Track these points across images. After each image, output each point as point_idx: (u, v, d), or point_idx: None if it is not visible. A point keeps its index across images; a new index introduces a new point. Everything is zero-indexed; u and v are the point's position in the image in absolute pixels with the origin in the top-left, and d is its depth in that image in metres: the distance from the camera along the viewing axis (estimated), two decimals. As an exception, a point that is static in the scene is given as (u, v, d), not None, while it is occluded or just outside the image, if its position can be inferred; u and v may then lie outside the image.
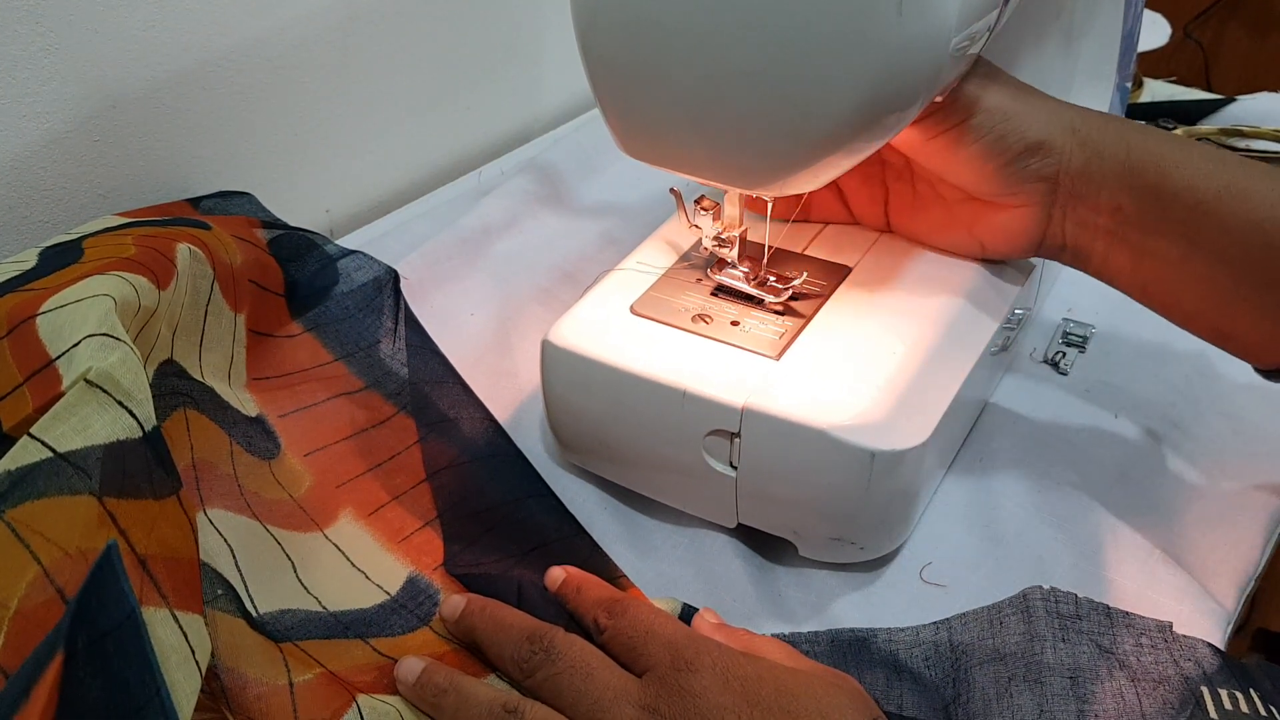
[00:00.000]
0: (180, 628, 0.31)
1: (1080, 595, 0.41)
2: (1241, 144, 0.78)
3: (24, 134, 0.51)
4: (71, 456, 0.31)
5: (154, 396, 0.40)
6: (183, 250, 0.43)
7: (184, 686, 0.30)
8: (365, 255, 0.55)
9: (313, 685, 0.34)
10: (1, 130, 0.50)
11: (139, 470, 0.33)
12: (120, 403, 0.33)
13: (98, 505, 0.31)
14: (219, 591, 0.35)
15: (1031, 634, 0.40)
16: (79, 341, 0.34)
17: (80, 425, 0.32)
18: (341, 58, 0.66)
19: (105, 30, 0.52)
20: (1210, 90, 0.90)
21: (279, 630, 0.39)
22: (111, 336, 0.34)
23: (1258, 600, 0.48)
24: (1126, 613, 0.41)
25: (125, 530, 0.31)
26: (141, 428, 0.33)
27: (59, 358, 0.34)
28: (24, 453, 0.31)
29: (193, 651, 0.31)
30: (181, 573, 0.33)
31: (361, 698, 0.35)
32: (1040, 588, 0.41)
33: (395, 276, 0.55)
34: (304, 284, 0.52)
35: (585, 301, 0.49)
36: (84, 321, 0.35)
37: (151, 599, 0.31)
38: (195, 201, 0.57)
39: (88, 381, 0.33)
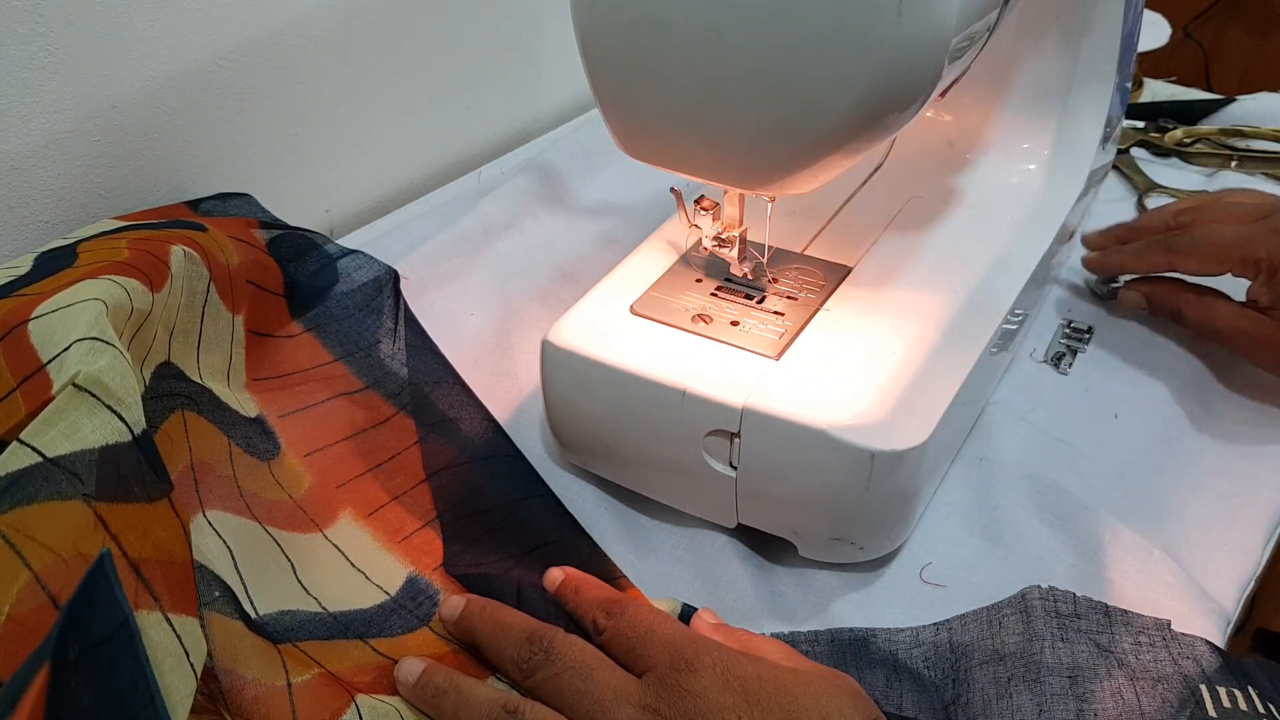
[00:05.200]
0: (174, 630, 0.31)
1: (1079, 594, 0.41)
2: (1241, 144, 0.78)
3: (24, 134, 0.51)
4: (61, 461, 0.31)
5: (152, 399, 0.40)
6: (177, 252, 0.43)
7: (178, 689, 0.30)
8: (365, 255, 0.55)
9: (311, 685, 0.34)
10: (1, 130, 0.50)
11: (131, 474, 0.33)
12: (109, 406, 0.33)
13: (89, 510, 0.31)
14: (216, 594, 0.35)
15: (1030, 633, 0.40)
16: (69, 346, 0.34)
17: (69, 430, 0.32)
18: (341, 58, 0.66)
19: (106, 30, 0.52)
20: (1210, 90, 0.90)
21: (279, 631, 0.39)
22: (101, 340, 0.34)
23: (1258, 600, 0.48)
24: (1125, 611, 0.41)
25: (117, 535, 0.31)
26: (130, 431, 0.33)
27: (50, 362, 0.34)
28: (14, 458, 0.31)
29: (187, 654, 0.31)
30: (175, 575, 0.33)
31: (361, 698, 0.35)
32: (1039, 587, 0.41)
33: (395, 276, 0.55)
34: (304, 284, 0.52)
35: (585, 301, 0.49)
36: (74, 326, 0.35)
37: (145, 603, 0.31)
38: (194, 204, 0.57)
39: (76, 386, 0.33)
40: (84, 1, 0.51)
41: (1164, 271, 0.56)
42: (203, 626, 0.33)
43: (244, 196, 0.59)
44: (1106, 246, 0.60)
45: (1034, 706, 0.37)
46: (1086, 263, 0.60)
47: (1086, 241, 0.62)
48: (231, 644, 0.34)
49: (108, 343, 0.35)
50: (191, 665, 0.31)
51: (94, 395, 0.33)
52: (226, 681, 0.33)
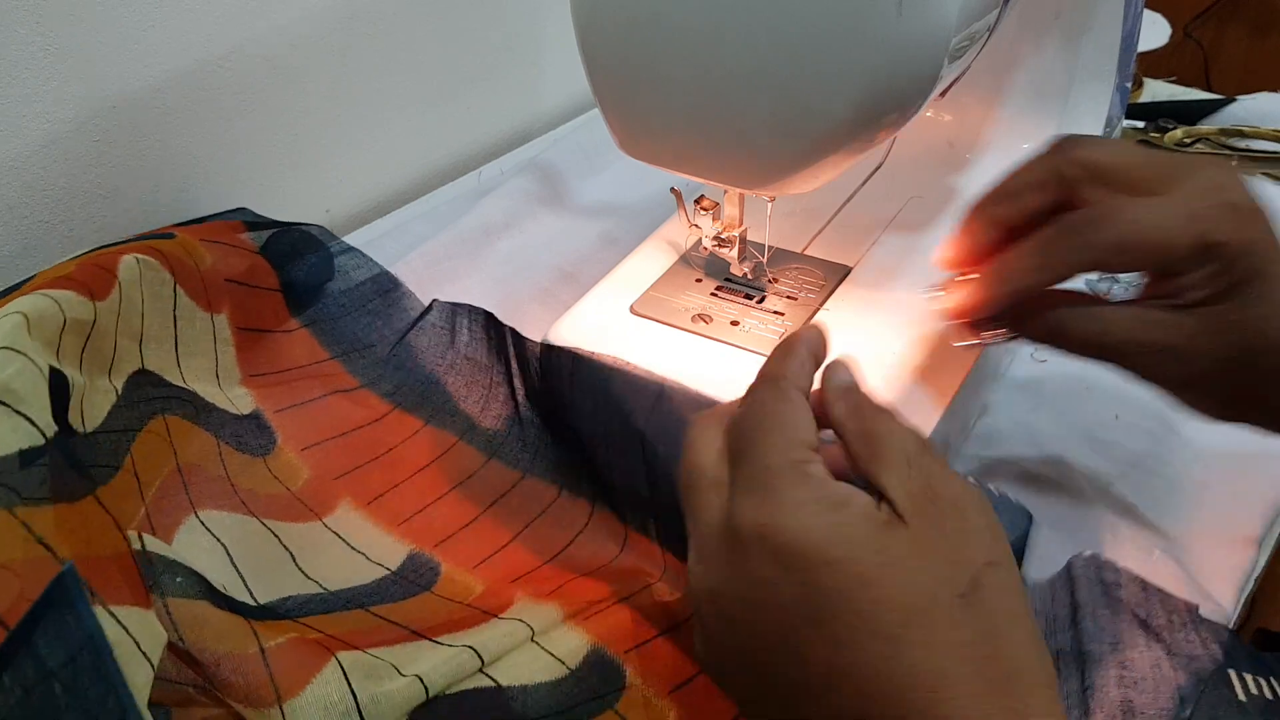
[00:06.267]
0: (119, 622, 0.31)
1: (1120, 564, 0.42)
2: (1241, 144, 0.78)
3: (24, 134, 0.51)
4: None
5: (126, 406, 0.40)
6: (127, 260, 0.44)
7: (132, 678, 0.30)
8: (361, 254, 0.55)
9: (285, 648, 0.34)
10: (2, 130, 0.50)
11: (51, 475, 0.33)
12: (19, 412, 0.33)
13: (11, 517, 0.31)
14: (178, 579, 0.35)
15: (1075, 601, 0.40)
16: None
17: None
18: (341, 58, 0.66)
19: (105, 30, 0.52)
20: (1210, 90, 0.90)
21: (280, 613, 0.39)
22: (13, 349, 0.35)
23: (1258, 600, 0.48)
24: (1159, 589, 0.41)
25: (42, 537, 0.31)
26: (43, 434, 0.34)
27: None
28: None
29: (137, 643, 0.31)
30: (110, 569, 0.33)
31: (341, 654, 0.35)
32: (1081, 555, 0.42)
33: (395, 283, 0.54)
34: (300, 280, 0.52)
35: (585, 301, 0.49)
36: None
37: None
38: (186, 225, 0.57)
39: None
40: (84, 2, 0.51)
41: (1080, 274, 0.37)
42: (168, 612, 0.33)
43: (240, 211, 0.59)
44: (971, 259, 0.40)
45: (1076, 672, 0.38)
46: (962, 309, 0.39)
47: (949, 263, 0.41)
48: (198, 624, 0.34)
49: (19, 352, 0.35)
50: (144, 654, 0.31)
51: (4, 403, 0.33)
52: (202, 659, 0.33)
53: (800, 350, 0.35)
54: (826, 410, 0.34)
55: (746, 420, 0.33)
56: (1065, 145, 0.38)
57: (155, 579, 0.34)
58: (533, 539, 0.45)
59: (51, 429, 0.34)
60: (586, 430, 0.46)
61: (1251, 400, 0.38)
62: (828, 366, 0.35)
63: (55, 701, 0.27)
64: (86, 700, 0.28)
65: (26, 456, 0.32)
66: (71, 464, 0.34)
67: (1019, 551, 0.40)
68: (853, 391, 0.34)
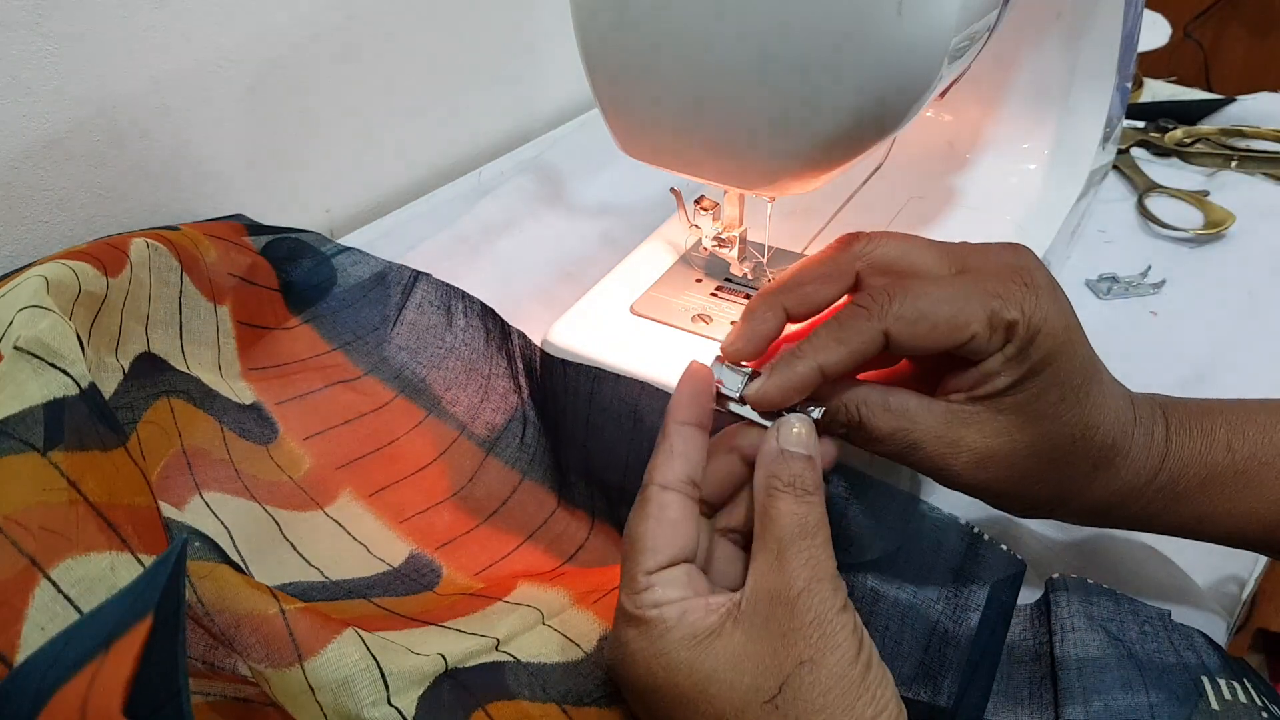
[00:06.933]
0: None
1: (1089, 580, 0.42)
2: (1241, 144, 0.78)
3: (24, 134, 0.51)
4: (10, 422, 0.31)
5: (134, 388, 0.40)
6: (138, 243, 0.44)
7: None
8: (359, 251, 0.55)
9: (303, 612, 0.34)
10: (1, 130, 0.50)
11: (82, 425, 0.33)
12: (53, 364, 0.33)
13: (44, 461, 0.31)
14: (196, 544, 0.35)
15: (1050, 626, 0.40)
16: (13, 320, 0.35)
17: (16, 391, 0.32)
18: (341, 58, 0.66)
19: (105, 30, 0.52)
20: (1210, 90, 0.90)
21: None
22: (40, 307, 0.35)
23: (1258, 600, 0.48)
24: (1131, 599, 0.41)
25: (76, 481, 0.31)
26: (78, 384, 0.34)
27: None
28: None
29: None
30: (142, 518, 0.33)
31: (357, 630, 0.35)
32: (1053, 577, 0.42)
33: (408, 272, 0.54)
34: (300, 281, 0.53)
35: (585, 301, 0.49)
36: (16, 301, 0.35)
37: (113, 544, 0.31)
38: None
39: (17, 349, 0.33)
40: (84, 2, 0.51)
41: (872, 354, 0.35)
42: (187, 574, 0.33)
43: (236, 217, 0.59)
44: (755, 350, 0.37)
45: (1051, 704, 0.38)
46: (757, 399, 0.36)
47: (731, 352, 0.37)
48: (219, 585, 0.34)
49: (48, 309, 0.35)
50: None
51: (38, 356, 0.33)
52: (222, 622, 0.33)
53: (672, 442, 0.36)
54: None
55: (626, 536, 0.35)
56: (854, 240, 0.38)
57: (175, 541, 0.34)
58: (534, 550, 0.45)
59: (86, 380, 0.34)
60: (583, 436, 0.46)
61: (1062, 498, 0.38)
62: (781, 423, 0.35)
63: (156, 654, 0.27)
64: (167, 660, 0.28)
65: (63, 405, 0.33)
66: (103, 416, 0.34)
67: (1009, 602, 0.39)
68: (777, 461, 0.34)
